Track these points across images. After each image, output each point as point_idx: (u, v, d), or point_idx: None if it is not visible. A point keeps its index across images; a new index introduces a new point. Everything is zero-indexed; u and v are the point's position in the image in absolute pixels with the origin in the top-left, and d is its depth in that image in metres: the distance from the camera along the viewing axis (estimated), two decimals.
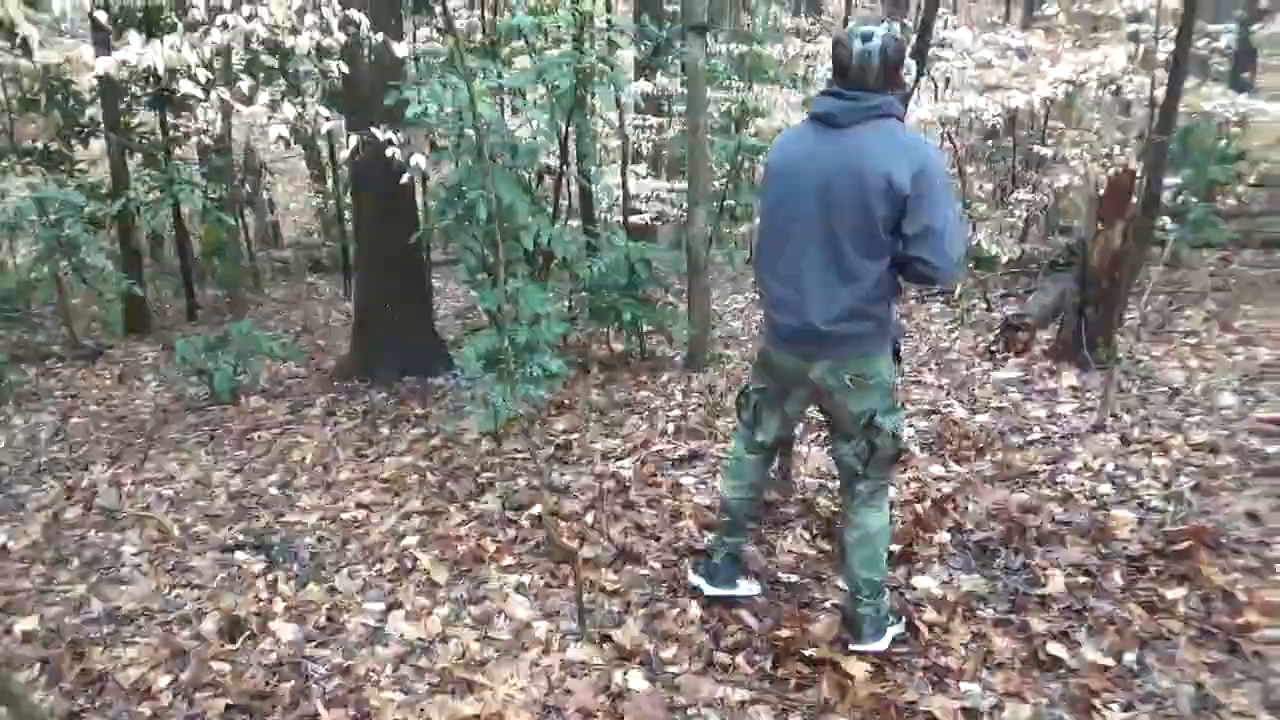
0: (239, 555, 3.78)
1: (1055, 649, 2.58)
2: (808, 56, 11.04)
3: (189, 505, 4.45)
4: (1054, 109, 9.03)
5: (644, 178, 10.72)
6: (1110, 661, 2.51)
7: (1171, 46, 5.80)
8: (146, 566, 3.77)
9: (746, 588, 3.04)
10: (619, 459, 4.52)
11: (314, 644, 3.01)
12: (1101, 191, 5.31)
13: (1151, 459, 3.92)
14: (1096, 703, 2.34)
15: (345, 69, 4.90)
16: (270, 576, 3.55)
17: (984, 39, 8.60)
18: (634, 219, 9.07)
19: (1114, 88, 7.97)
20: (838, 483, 2.99)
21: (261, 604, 3.32)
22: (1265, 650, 2.52)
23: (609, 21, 6.42)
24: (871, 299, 2.40)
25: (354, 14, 4.33)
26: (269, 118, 4.13)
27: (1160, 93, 5.54)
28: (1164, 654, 2.54)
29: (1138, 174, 5.39)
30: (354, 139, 4.94)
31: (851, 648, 2.65)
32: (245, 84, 4.21)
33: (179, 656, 2.94)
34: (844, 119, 2.36)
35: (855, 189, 2.31)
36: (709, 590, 3.00)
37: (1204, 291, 7.21)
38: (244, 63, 8.25)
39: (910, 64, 2.38)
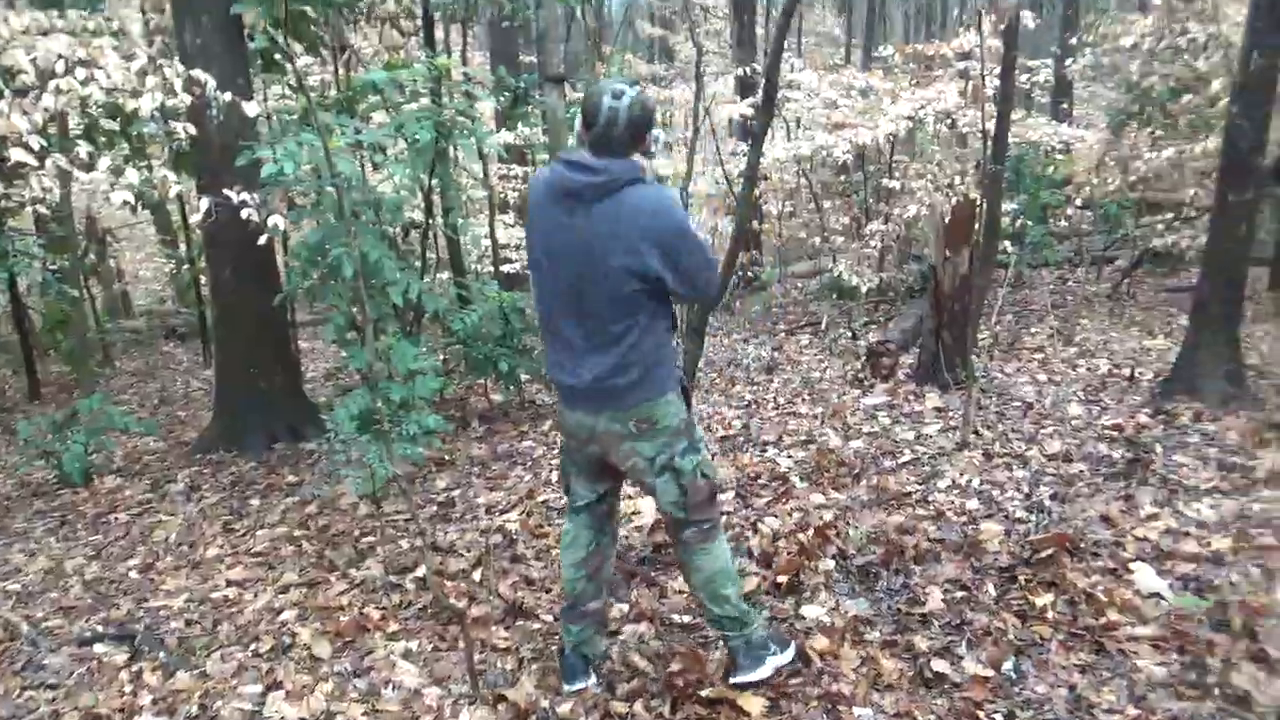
0: (98, 648, 3.51)
1: (939, 665, 2.67)
2: (662, 101, 11.33)
3: (39, 598, 4.12)
4: (898, 144, 9.54)
5: (512, 226, 10.73)
6: (990, 672, 2.62)
7: (997, 83, 6.25)
8: None
9: (580, 683, 2.80)
10: (504, 512, 4.46)
11: None
12: (946, 220, 5.63)
13: (1013, 471, 4.15)
14: (980, 714, 2.44)
15: (193, 130, 4.74)
16: (134, 668, 3.32)
17: (828, 80, 9.04)
18: (505, 268, 9.06)
19: (950, 121, 8.50)
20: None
21: (125, 699, 3.09)
22: (1128, 647, 2.68)
23: (465, 74, 6.42)
24: (641, 352, 2.43)
25: (199, 74, 4.21)
26: (112, 184, 3.95)
27: (991, 125, 5.95)
28: (1038, 659, 2.67)
29: (977, 202, 5.75)
30: (205, 202, 4.78)
31: (732, 681, 2.65)
32: (84, 149, 4.01)
33: None
34: (587, 195, 2.34)
35: (603, 279, 2.35)
36: (565, 688, 2.81)
37: (1046, 309, 7.72)
38: (82, 127, 7.84)
39: (657, 134, 2.46)
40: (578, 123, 2.42)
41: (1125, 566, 3.14)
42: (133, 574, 4.31)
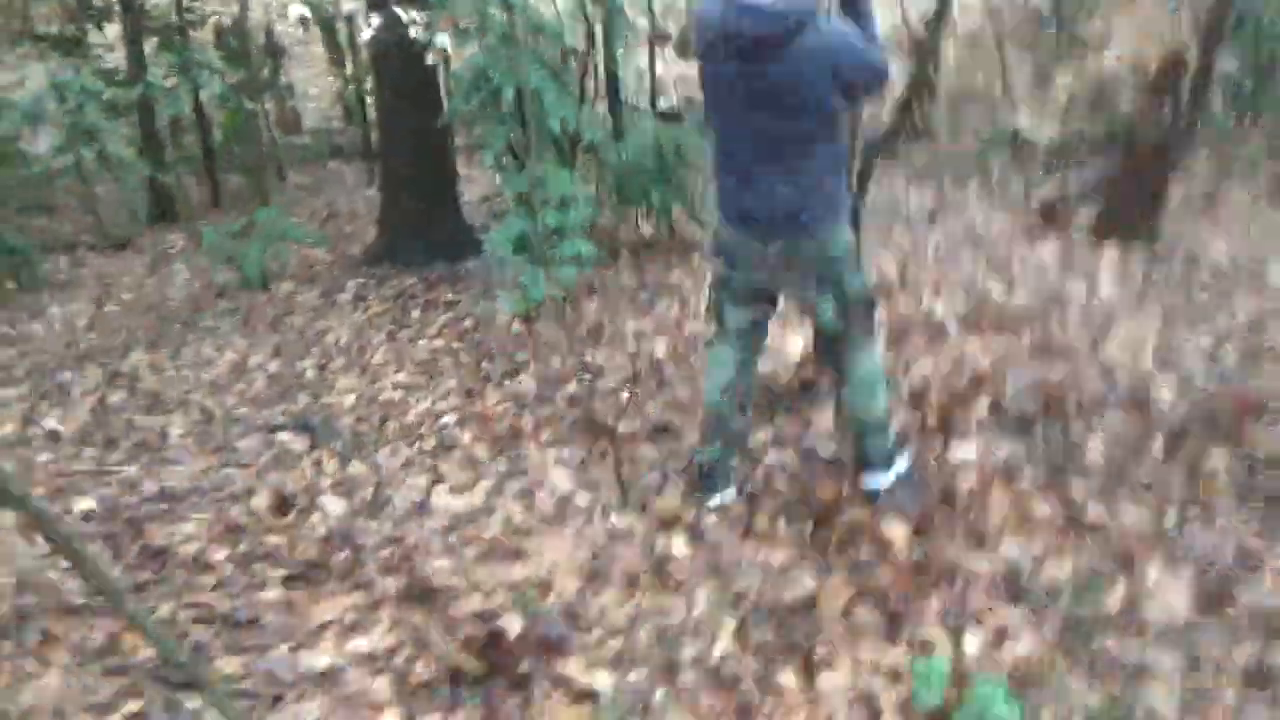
0: (282, 435, 3.86)
1: (1095, 512, 2.59)
2: None
3: (229, 389, 4.53)
4: None
5: (672, 62, 10.37)
6: (1151, 524, 2.53)
7: None
8: (194, 447, 3.86)
9: (721, 498, 2.90)
10: (651, 340, 4.52)
11: (362, 517, 3.09)
12: (1153, 66, 5.08)
13: (1196, 334, 3.86)
14: (1135, 559, 2.37)
15: None
16: (314, 455, 3.63)
17: None
18: (662, 102, 8.83)
19: None
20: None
21: (308, 481, 3.40)
22: None
23: None
24: (817, 183, 2.48)
25: None
26: None
27: None
28: (1206, 517, 2.55)
29: (1190, 49, 5.14)
30: (374, 19, 4.82)
31: (865, 485, 2.76)
32: None
33: (234, 531, 3.02)
34: (764, 43, 2.30)
35: (786, 118, 2.40)
36: (708, 502, 2.90)
37: (1259, 165, 6.95)
38: None
39: None
40: None
41: None
42: (309, 373, 4.66)
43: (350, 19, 8.70)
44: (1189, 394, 3.25)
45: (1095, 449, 2.94)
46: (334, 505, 3.18)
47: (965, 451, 3.00)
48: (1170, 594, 2.23)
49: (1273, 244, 5.08)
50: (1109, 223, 5.33)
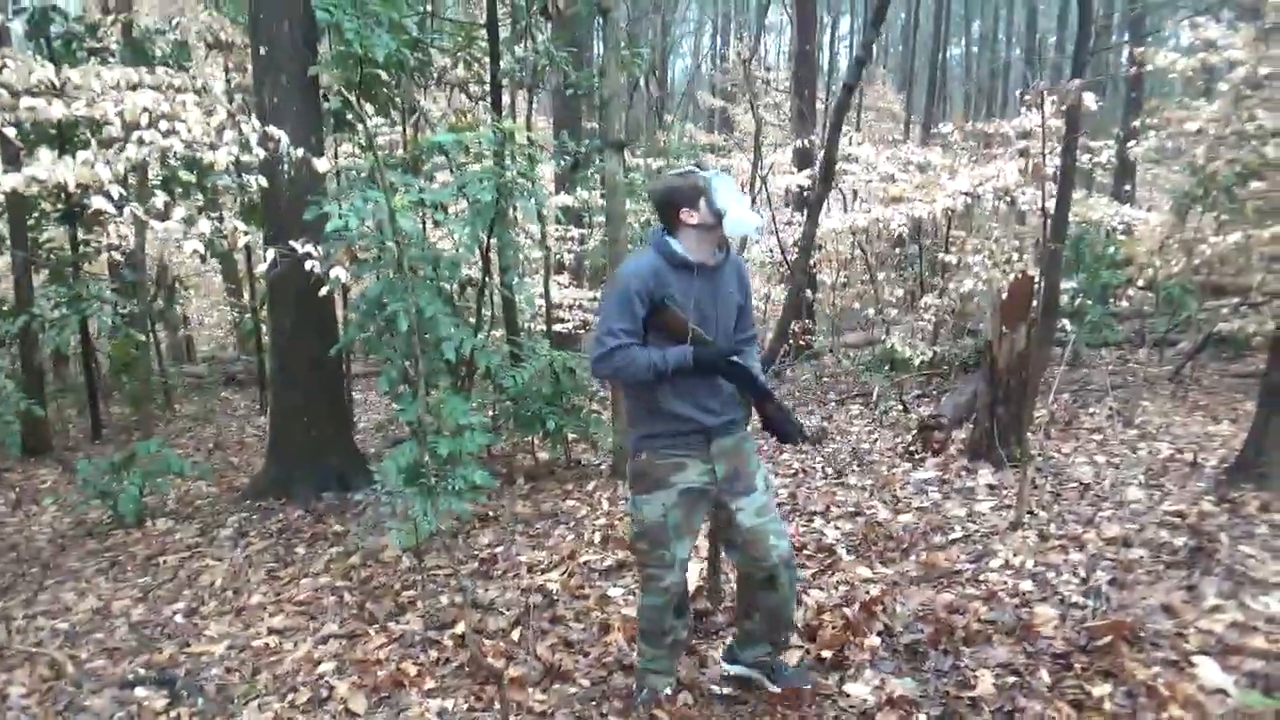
0: (139, 692, 3.55)
1: None
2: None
3: (86, 639, 4.18)
4: (955, 218, 9.53)
5: (566, 287, 10.87)
6: None
7: (1058, 161, 6.23)
8: (36, 709, 3.50)
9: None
10: (545, 571, 4.43)
11: None
12: (1004, 295, 5.57)
13: (1069, 554, 4.01)
14: None
15: (265, 183, 4.92)
16: (173, 714, 3.34)
17: (886, 155, 9.10)
18: (557, 328, 9.16)
19: (1009, 199, 8.47)
20: None
21: None
22: None
23: (529, 138, 6.59)
24: (624, 407, 2.91)
25: (274, 130, 4.38)
26: (185, 233, 4.10)
27: (1051, 204, 5.91)
28: None
29: (1036, 279, 5.68)
30: (271, 252, 4.93)
31: None
32: (160, 199, 4.17)
33: None
34: None
35: None
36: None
37: (1105, 389, 7.53)
38: (160, 178, 8.18)
39: (716, 204, 2.64)
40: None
41: (1187, 659, 2.99)
42: (178, 618, 4.36)
43: (248, 251, 8.88)
44: (1069, 620, 3.33)
45: (986, 682, 2.94)
46: None
47: (860, 689, 2.97)
48: None
49: (1128, 464, 5.42)
50: (981, 445, 5.62)
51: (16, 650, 4.06)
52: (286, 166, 5.06)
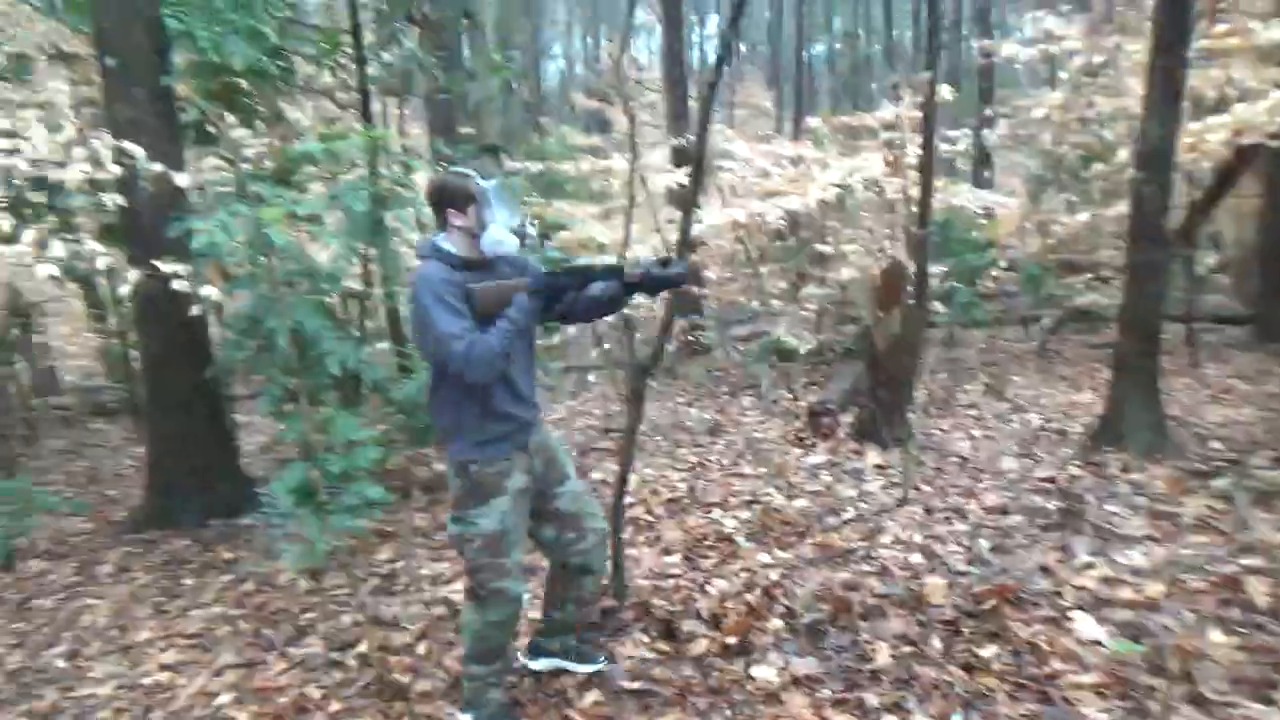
0: None
1: None
2: (601, 171, 11.54)
3: None
4: (829, 210, 9.84)
5: None
6: None
7: (919, 152, 6.51)
8: None
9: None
10: (448, 583, 4.37)
11: None
12: (878, 282, 5.80)
13: (953, 525, 4.22)
14: None
15: (122, 201, 4.68)
16: None
17: (760, 149, 9.32)
18: None
19: (878, 189, 8.80)
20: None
21: None
22: (1071, 695, 2.72)
23: (403, 146, 6.47)
24: (436, 413, 2.80)
25: (129, 146, 4.18)
26: (38, 257, 3.87)
27: (915, 192, 6.18)
28: (986, 711, 2.69)
29: (906, 265, 5.94)
30: (134, 274, 4.70)
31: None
32: (5, 222, 3.93)
33: None
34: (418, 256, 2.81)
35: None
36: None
37: (977, 367, 7.93)
38: (5, 200, 7.67)
39: (486, 216, 2.68)
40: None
41: (1065, 615, 3.21)
42: (59, 662, 4.11)
43: (110, 273, 8.40)
44: (956, 588, 3.51)
45: (883, 652, 3.07)
46: None
47: (765, 671, 3.05)
48: None
49: (1003, 436, 5.72)
50: (867, 427, 5.84)
51: None
52: (145, 183, 4.81)
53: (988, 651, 2.99)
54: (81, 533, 6.31)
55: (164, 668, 3.86)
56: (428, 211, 2.84)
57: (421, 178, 8.57)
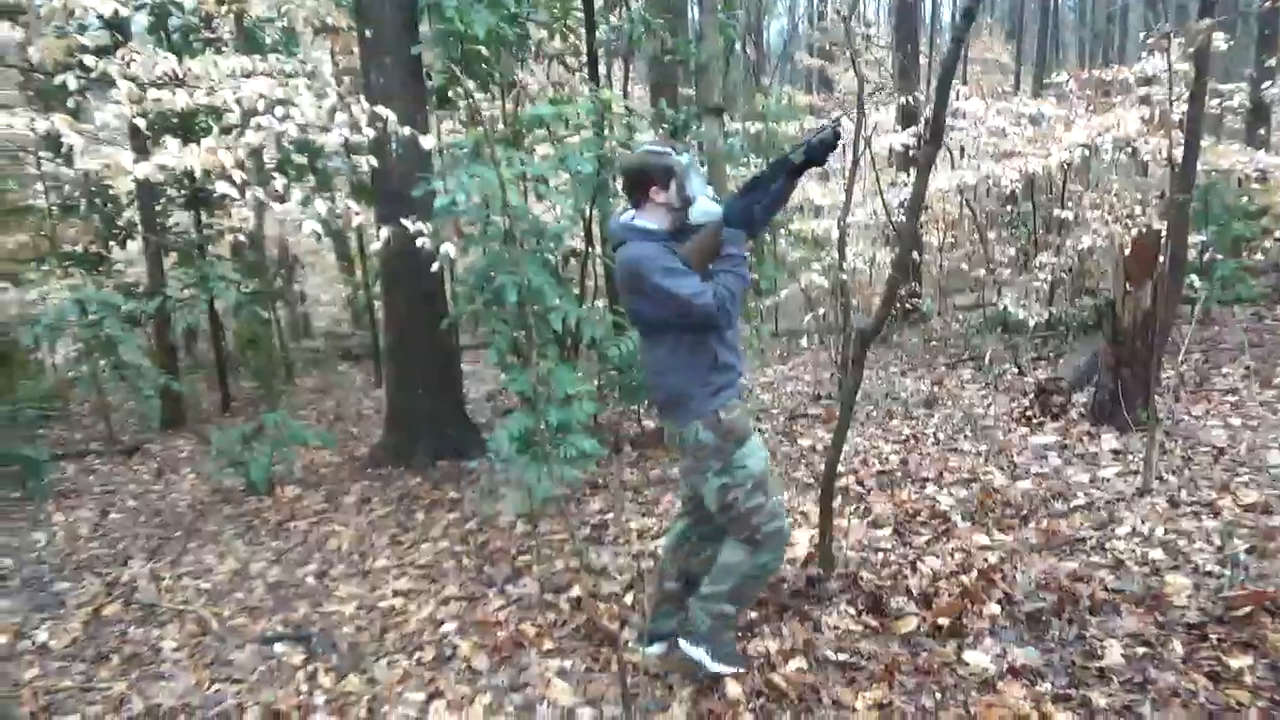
0: (278, 647, 3.76)
1: None
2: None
3: (227, 597, 4.45)
4: (1071, 173, 9.09)
5: None
6: None
7: (1184, 108, 5.87)
8: (186, 661, 3.75)
9: (654, 650, 3.16)
10: (655, 538, 4.48)
11: None
12: (1127, 252, 5.31)
13: (1202, 521, 3.83)
14: None
15: (375, 162, 5.06)
16: (310, 668, 3.53)
17: (996, 108, 8.73)
18: None
19: (1130, 150, 8.03)
20: None
21: (302, 697, 3.29)
22: None
23: (627, 108, 6.57)
24: (665, 378, 2.81)
25: (382, 110, 4.50)
26: (302, 214, 4.26)
27: (1178, 152, 5.58)
28: None
29: (1161, 233, 5.39)
30: (385, 231, 5.08)
31: (682, 649, 2.93)
32: (279, 182, 4.35)
33: None
34: (613, 248, 2.84)
35: (627, 309, 2.85)
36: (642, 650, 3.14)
37: (1240, 348, 7.11)
38: (275, 161, 8.52)
39: (687, 190, 2.77)
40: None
41: None
42: (309, 579, 4.59)
43: (360, 230, 9.18)
44: (1203, 590, 3.19)
45: (1114, 651, 2.85)
46: None
47: (979, 657, 2.92)
48: None
49: (1267, 426, 5.11)
50: (1105, 408, 5.39)
51: (166, 608, 4.35)
52: (395, 145, 5.18)
53: (1239, 662, 2.70)
54: (329, 464, 6.99)
55: (397, 594, 4.22)
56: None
57: (644, 139, 8.73)
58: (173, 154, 4.09)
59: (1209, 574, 3.33)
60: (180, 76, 4.31)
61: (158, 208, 9.30)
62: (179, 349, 9.43)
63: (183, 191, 9.28)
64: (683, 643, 2.95)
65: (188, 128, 7.94)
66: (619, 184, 2.70)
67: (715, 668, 2.93)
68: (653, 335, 2.79)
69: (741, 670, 2.97)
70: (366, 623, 3.94)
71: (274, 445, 6.33)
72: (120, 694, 3.47)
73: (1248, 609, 2.94)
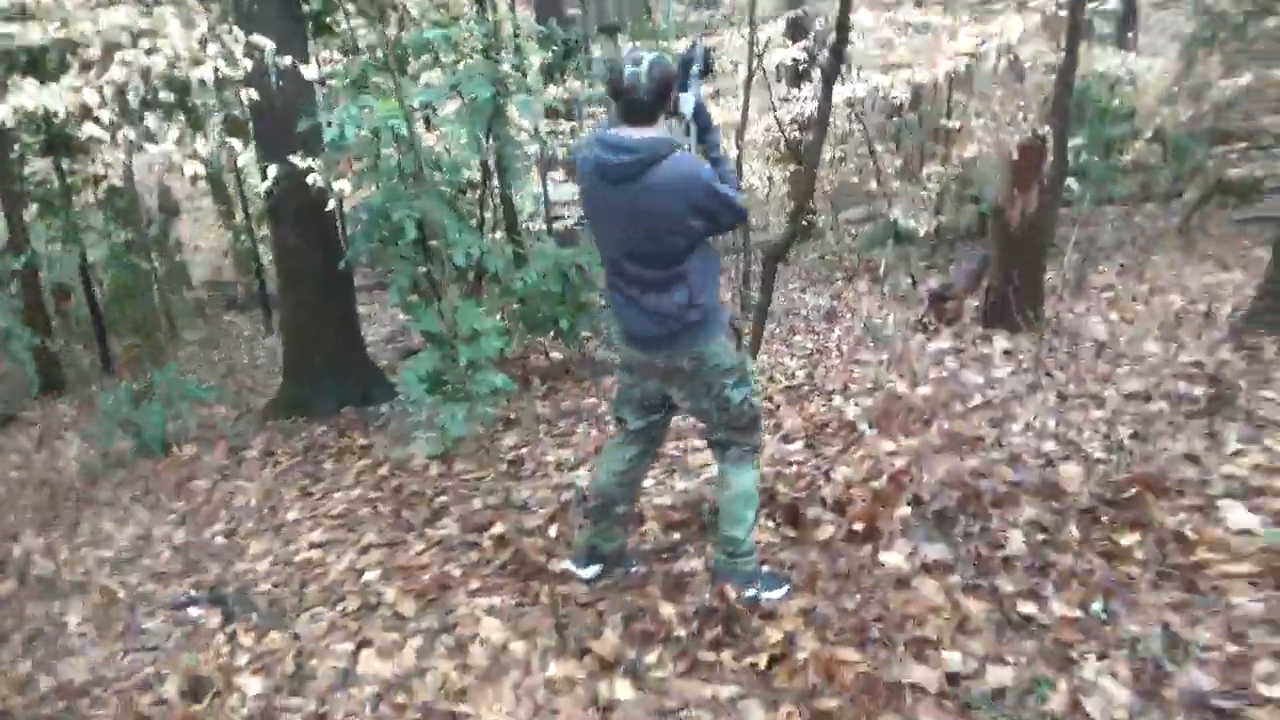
0: (193, 611, 3.66)
1: (1025, 607, 2.65)
2: (710, 49, 11.11)
3: (133, 564, 4.29)
4: (956, 82, 9.26)
5: (563, 183, 10.67)
6: (1079, 613, 2.59)
7: (1064, 13, 6.00)
8: (95, 634, 3.62)
9: (591, 572, 3.24)
10: (573, 469, 4.50)
11: (284, 694, 2.92)
12: (1014, 158, 5.47)
13: (1089, 412, 4.06)
14: (1073, 654, 2.41)
15: (255, 95, 4.77)
16: (229, 629, 3.44)
17: (884, 18, 8.77)
18: (556, 225, 9.05)
19: (1011, 57, 8.20)
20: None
21: (223, 659, 3.21)
22: (1221, 584, 2.62)
23: (516, 29, 6.35)
24: (691, 299, 2.70)
25: (259, 39, 4.23)
26: (181, 155, 4.01)
27: (1056, 58, 5.72)
28: (1128, 599, 2.63)
29: (1046, 138, 5.56)
30: (272, 170, 4.83)
31: (744, 596, 2.90)
32: (151, 121, 4.07)
33: None
34: (628, 173, 2.57)
35: (655, 238, 2.63)
36: (575, 571, 3.26)
37: (1112, 247, 7.49)
38: (139, 100, 7.95)
39: (686, 97, 2.77)
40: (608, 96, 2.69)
41: (1213, 504, 3.07)
42: (218, 539, 4.46)
43: (239, 171, 8.69)
44: (1093, 476, 3.39)
45: (1016, 540, 3.01)
46: (252, 684, 3.00)
47: (893, 557, 3.05)
48: (1110, 687, 2.27)
49: (1142, 319, 5.42)
50: (995, 311, 5.62)
51: (67, 581, 4.18)
52: (274, 77, 4.88)
53: (1129, 540, 2.90)
54: (226, 419, 6.74)
55: (313, 546, 4.13)
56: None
57: (534, 61, 8.48)
58: (31, 94, 3.76)
59: (1098, 461, 3.54)
60: (27, 7, 3.94)
61: (12, 156, 8.61)
62: (49, 309, 8.83)
63: (39, 137, 8.60)
64: (728, 589, 2.89)
65: (38, 66, 7.31)
66: (641, 95, 2.54)
67: (778, 594, 2.92)
68: (684, 255, 2.66)
69: (790, 584, 2.99)
70: (284, 578, 3.86)
71: (166, 403, 6.06)
72: (25, 674, 3.33)
73: (1134, 490, 3.14)
